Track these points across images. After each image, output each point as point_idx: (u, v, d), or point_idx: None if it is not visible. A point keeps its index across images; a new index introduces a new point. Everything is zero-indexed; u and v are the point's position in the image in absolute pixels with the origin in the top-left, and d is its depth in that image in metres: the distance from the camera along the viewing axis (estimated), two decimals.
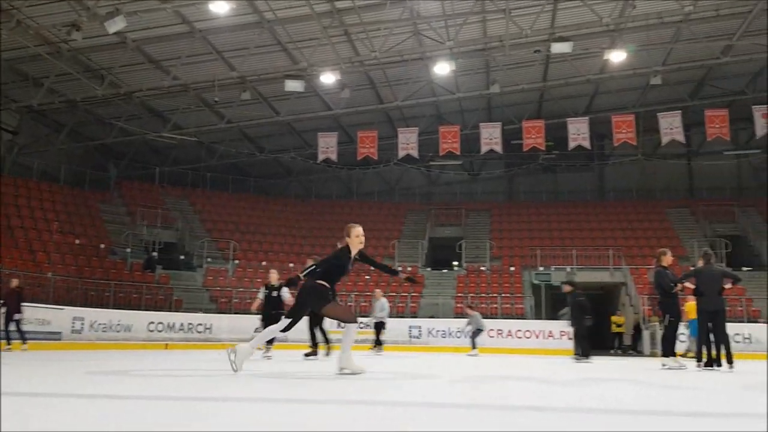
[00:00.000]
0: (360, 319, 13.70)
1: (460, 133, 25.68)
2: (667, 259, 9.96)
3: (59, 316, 17.07)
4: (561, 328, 20.76)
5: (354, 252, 6.60)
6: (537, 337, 20.64)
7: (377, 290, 17.74)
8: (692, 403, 4.33)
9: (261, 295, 12.13)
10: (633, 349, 22.70)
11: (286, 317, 6.72)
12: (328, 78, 22.58)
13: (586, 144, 24.71)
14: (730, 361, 9.41)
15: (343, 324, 6.58)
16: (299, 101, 25.27)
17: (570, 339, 14.04)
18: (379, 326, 16.38)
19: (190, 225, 28.10)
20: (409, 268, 25.37)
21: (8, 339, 13.82)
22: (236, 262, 26.19)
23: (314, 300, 6.48)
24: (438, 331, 21.20)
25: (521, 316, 22.81)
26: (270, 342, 11.09)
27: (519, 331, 20.90)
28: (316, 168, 30.29)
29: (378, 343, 16.26)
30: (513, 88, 24.67)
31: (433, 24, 20.72)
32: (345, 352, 6.46)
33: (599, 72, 24.46)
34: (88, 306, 18.82)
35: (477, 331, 17.00)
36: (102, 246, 23.90)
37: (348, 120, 28.23)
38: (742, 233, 28.32)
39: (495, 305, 23.31)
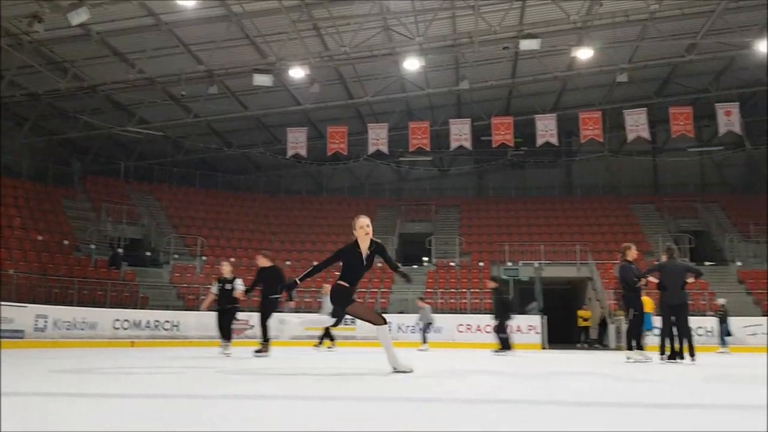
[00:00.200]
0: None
1: (429, 129, 25.76)
2: (632, 254, 10.12)
3: (22, 314, 16.66)
4: (529, 323, 21.05)
5: (364, 245, 6.26)
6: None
7: (325, 285, 17.18)
8: (654, 395, 4.40)
9: (214, 289, 11.55)
10: (599, 342, 23.05)
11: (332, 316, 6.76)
12: (297, 72, 22.46)
13: (554, 140, 25.00)
14: (692, 354, 9.61)
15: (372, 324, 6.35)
16: (268, 96, 25.07)
17: (494, 333, 14.16)
18: None
19: (156, 221, 27.69)
20: (380, 265, 25.36)
21: None
22: (204, 258, 25.91)
23: (337, 301, 6.34)
24: (407, 326, 21.23)
25: (490, 311, 22.92)
26: (227, 338, 11.00)
27: (488, 325, 20.99)
28: (285, 163, 30.10)
29: (330, 338, 15.77)
30: (482, 85, 24.80)
31: (403, 19, 20.72)
32: (388, 352, 6.21)
33: (567, 69, 24.74)
34: (51, 303, 18.42)
35: (427, 326, 16.81)
36: (66, 242, 23.42)
37: (317, 115, 28.10)
38: (705, 229, 28.92)
39: (464, 300, 23.45)
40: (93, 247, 23.93)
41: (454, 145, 25.50)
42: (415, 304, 23.03)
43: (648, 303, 18.75)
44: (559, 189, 33.86)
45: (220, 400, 3.75)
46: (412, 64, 22.22)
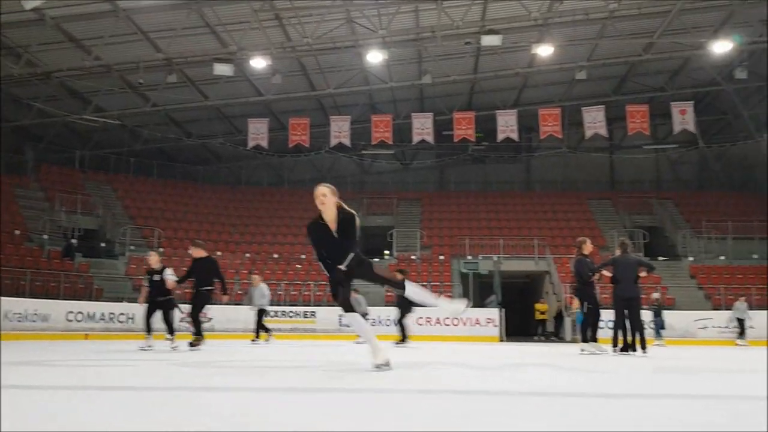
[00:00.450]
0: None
1: (392, 123, 25.79)
2: (588, 248, 10.29)
3: None
4: (488, 316, 21.30)
5: (328, 217, 5.33)
6: (464, 324, 20.99)
7: (255, 276, 16.69)
8: (605, 386, 4.50)
9: (146, 282, 10.83)
10: (555, 335, 23.46)
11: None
12: (259, 63, 22.22)
13: (514, 136, 25.27)
14: (643, 347, 9.84)
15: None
16: (228, 86, 24.76)
17: (396, 325, 14.36)
18: (261, 314, 15.47)
19: (112, 211, 27.14)
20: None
21: None
22: (161, 250, 25.45)
23: (336, 289, 5.34)
24: (369, 318, 21.25)
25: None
26: (149, 331, 10.32)
27: (447, 319, 21.20)
28: (246, 154, 29.80)
29: (266, 330, 15.33)
30: (444, 79, 24.92)
31: (366, 12, 20.67)
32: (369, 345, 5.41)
33: (527, 66, 25.03)
34: (2, 295, 17.90)
35: (363, 316, 16.65)
36: (17, 232, 22.78)
37: (279, 106, 27.87)
38: (659, 224, 29.63)
39: None
40: (46, 237, 23.35)
41: (416, 138, 25.58)
42: (385, 299, 23.12)
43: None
44: (519, 184, 34.29)
45: (172, 392, 3.70)
46: (375, 57, 22.19)
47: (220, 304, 12.47)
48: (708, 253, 26.27)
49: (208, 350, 9.70)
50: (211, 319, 19.83)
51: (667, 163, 34.13)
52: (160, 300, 10.48)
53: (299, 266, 25.37)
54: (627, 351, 10.03)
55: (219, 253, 25.73)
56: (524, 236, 27.29)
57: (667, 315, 20.68)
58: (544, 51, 22.12)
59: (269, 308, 16.20)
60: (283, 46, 21.99)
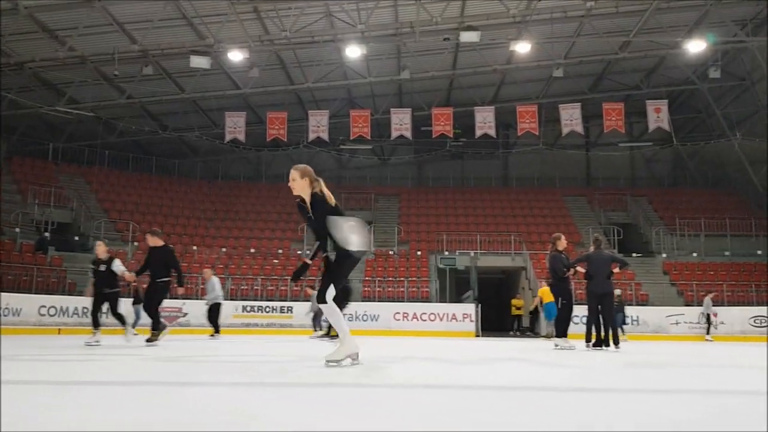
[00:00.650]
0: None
1: (371, 118, 25.78)
2: (562, 244, 10.38)
3: None
4: (464, 311, 21.40)
5: (305, 198, 5.37)
6: (441, 319, 21.10)
7: (206, 270, 16.06)
8: (577, 380, 4.55)
9: (92, 273, 10.30)
10: (531, 330, 23.65)
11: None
12: (236, 56, 22.06)
13: (492, 132, 25.43)
14: (616, 342, 9.97)
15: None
16: (205, 78, 24.55)
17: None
18: (215, 309, 14.89)
19: (85, 204, 26.76)
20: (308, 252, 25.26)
21: None
22: (136, 244, 25.21)
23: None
24: (344, 314, 21.25)
25: (426, 299, 23.26)
26: (96, 326, 9.82)
27: (424, 314, 21.29)
28: (223, 148, 29.59)
29: (215, 327, 14.71)
30: (423, 75, 24.96)
31: (345, 6, 20.62)
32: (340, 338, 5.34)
33: (506, 62, 25.15)
34: None
35: (320, 312, 16.12)
36: None
37: (257, 100, 27.69)
38: (634, 221, 29.99)
39: (402, 289, 23.63)
40: (18, 230, 22.97)
41: (394, 134, 25.61)
42: (363, 294, 23.11)
43: (549, 293, 19.44)
44: (497, 180, 34.47)
45: (142, 386, 3.68)
46: (353, 52, 22.14)
47: (178, 297, 11.57)
48: (681, 250, 26.67)
49: (171, 345, 9.60)
50: (186, 314, 19.70)
51: (642, 160, 34.56)
52: (107, 292, 9.98)
53: (276, 261, 25.28)
54: (600, 346, 10.16)
55: (195, 247, 25.60)
56: (501, 232, 27.46)
57: (641, 311, 21.04)
58: (522, 48, 22.25)
59: (224, 302, 15.62)
60: (261, 39, 21.86)
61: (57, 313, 18.63)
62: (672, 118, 26.14)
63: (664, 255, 26.48)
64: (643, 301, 22.74)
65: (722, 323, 20.45)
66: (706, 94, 28.55)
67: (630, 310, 20.73)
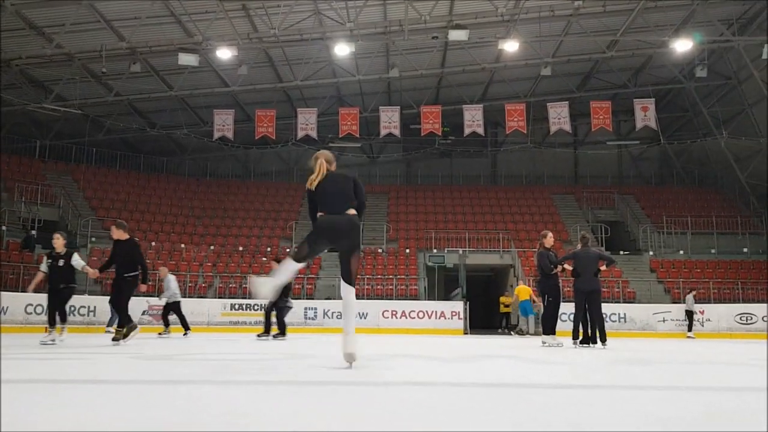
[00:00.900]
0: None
1: (359, 116, 25.78)
2: (549, 241, 10.44)
3: None
4: (452, 309, 21.48)
5: (315, 181, 5.26)
6: (430, 317, 21.15)
7: (162, 267, 15.69)
8: (564, 377, 4.60)
9: (44, 267, 9.71)
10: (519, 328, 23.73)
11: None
12: (225, 53, 21.96)
13: (481, 131, 25.50)
14: (603, 339, 10.05)
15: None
16: (194, 76, 24.44)
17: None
18: (173, 307, 14.58)
19: (73, 202, 26.58)
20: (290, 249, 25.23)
21: None
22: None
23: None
24: (333, 312, 21.27)
25: (415, 297, 23.31)
26: (52, 324, 9.34)
27: (413, 311, 21.34)
28: (212, 146, 29.47)
29: (166, 324, 14.36)
30: (412, 73, 24.98)
31: (334, 4, 20.59)
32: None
33: (494, 61, 25.22)
34: None
35: (285, 309, 15.76)
36: None
37: (245, 98, 27.61)
38: (621, 219, 30.18)
39: (391, 287, 23.67)
40: (5, 228, 22.80)
41: (383, 132, 25.63)
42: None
43: (525, 291, 19.63)
44: (485, 178, 34.57)
45: (134, 385, 3.68)
46: (342, 50, 22.10)
47: (142, 295, 10.60)
48: (668, 248, 26.87)
49: (151, 343, 9.58)
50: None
51: (629, 158, 34.78)
52: (62, 287, 9.44)
53: (264, 259, 25.21)
54: (587, 343, 10.24)
55: (183, 245, 25.50)
56: (489, 230, 27.56)
57: (628, 308, 21.20)
58: (510, 47, 22.31)
59: (182, 300, 15.14)
60: (249, 36, 21.79)
61: (44, 311, 18.49)
62: (659, 116, 26.35)
63: (651, 253, 26.67)
64: (630, 299, 22.90)
65: (708, 320, 20.64)
66: (693, 92, 28.79)
67: (617, 308, 20.91)
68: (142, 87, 24.82)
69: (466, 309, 21.60)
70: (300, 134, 25.43)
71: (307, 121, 25.45)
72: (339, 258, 5.28)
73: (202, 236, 27.28)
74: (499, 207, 31.29)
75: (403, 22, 21.09)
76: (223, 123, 25.31)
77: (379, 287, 23.56)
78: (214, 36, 21.23)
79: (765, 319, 20.11)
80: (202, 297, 22.07)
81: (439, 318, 21.23)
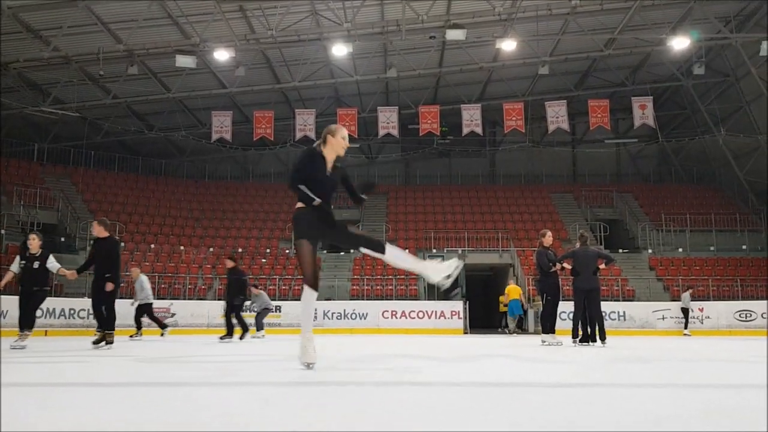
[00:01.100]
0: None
1: (357, 116, 25.80)
2: (547, 240, 10.46)
3: None
4: (452, 308, 21.48)
5: (330, 156, 5.06)
6: (429, 317, 21.17)
7: (133, 268, 15.28)
8: (563, 376, 4.59)
9: (15, 267, 9.44)
10: (518, 327, 23.73)
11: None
12: (222, 55, 21.97)
13: (479, 130, 25.52)
14: (603, 338, 10.05)
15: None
16: (191, 78, 24.45)
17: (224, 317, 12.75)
18: (146, 309, 14.35)
19: (72, 205, 26.57)
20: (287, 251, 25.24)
21: None
22: (123, 244, 25.08)
23: (293, 232, 4.83)
24: (333, 313, 21.29)
25: (415, 297, 23.32)
26: (29, 327, 9.13)
27: (413, 311, 21.36)
28: (210, 148, 29.46)
29: (138, 327, 14.04)
30: (410, 73, 24.99)
31: (331, 5, 20.60)
32: (418, 266, 4.96)
33: (492, 60, 25.22)
34: None
35: (263, 311, 15.87)
36: None
37: (243, 99, 27.61)
38: (620, 217, 30.20)
39: (390, 287, 23.68)
40: (3, 232, 22.77)
41: (382, 132, 25.63)
42: (351, 292, 23.16)
43: (515, 291, 19.71)
44: (484, 178, 34.58)
45: (132, 387, 3.67)
46: (340, 50, 22.11)
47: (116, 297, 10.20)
48: (667, 246, 26.89)
49: (147, 345, 9.57)
50: (174, 314, 19.66)
51: (628, 157, 34.79)
52: (35, 290, 9.20)
53: (264, 260, 25.23)
54: (587, 342, 10.24)
55: (182, 247, 25.50)
56: (488, 229, 27.57)
57: (627, 306, 21.23)
58: (508, 46, 22.32)
59: (154, 302, 14.98)
60: (246, 38, 21.79)
61: (43, 314, 18.47)
62: (657, 114, 26.38)
63: (650, 251, 26.68)
64: (629, 297, 22.92)
65: (708, 317, 20.67)
66: (691, 90, 28.81)
67: (616, 306, 20.95)
68: (139, 89, 24.81)
69: (465, 309, 21.62)
70: (298, 135, 25.43)
71: (305, 122, 25.45)
72: (341, 242, 5.18)
73: (201, 238, 27.28)
74: (498, 206, 31.30)
75: (400, 22, 21.10)
76: (221, 125, 25.31)
77: (378, 288, 23.57)
78: (211, 38, 21.23)
79: (764, 316, 20.14)
80: (201, 299, 22.08)
81: (439, 318, 21.25)
